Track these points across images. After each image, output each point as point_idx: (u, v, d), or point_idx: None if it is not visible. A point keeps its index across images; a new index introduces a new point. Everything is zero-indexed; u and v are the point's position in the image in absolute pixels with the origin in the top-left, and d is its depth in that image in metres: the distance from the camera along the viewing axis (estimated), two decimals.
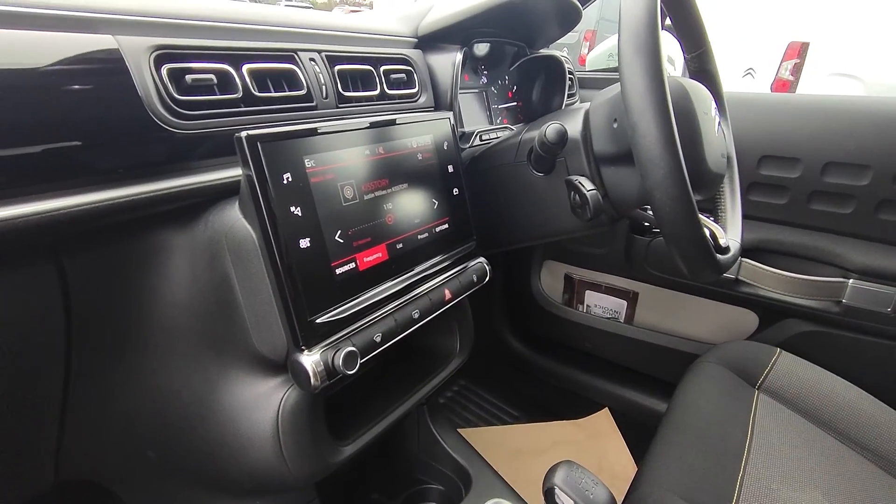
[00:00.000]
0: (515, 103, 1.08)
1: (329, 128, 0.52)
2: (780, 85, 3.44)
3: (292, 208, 0.47)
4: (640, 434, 1.29)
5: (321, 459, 0.55)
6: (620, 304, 1.32)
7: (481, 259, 0.71)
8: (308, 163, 0.49)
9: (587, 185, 0.68)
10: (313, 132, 0.50)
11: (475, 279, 0.68)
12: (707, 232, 0.70)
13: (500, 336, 1.48)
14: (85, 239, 0.47)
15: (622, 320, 1.32)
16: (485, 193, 0.83)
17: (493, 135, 0.92)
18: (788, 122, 1.02)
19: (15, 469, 0.55)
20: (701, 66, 0.83)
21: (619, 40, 0.59)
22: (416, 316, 0.58)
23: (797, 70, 3.32)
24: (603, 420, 1.33)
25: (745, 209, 1.07)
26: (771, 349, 0.96)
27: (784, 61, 3.39)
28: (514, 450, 1.26)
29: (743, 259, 1.08)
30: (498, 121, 1.03)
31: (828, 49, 3.39)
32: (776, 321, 1.10)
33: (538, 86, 1.09)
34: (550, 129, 0.64)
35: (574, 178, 0.69)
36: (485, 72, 1.00)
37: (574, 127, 0.69)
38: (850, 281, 0.98)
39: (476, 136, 0.89)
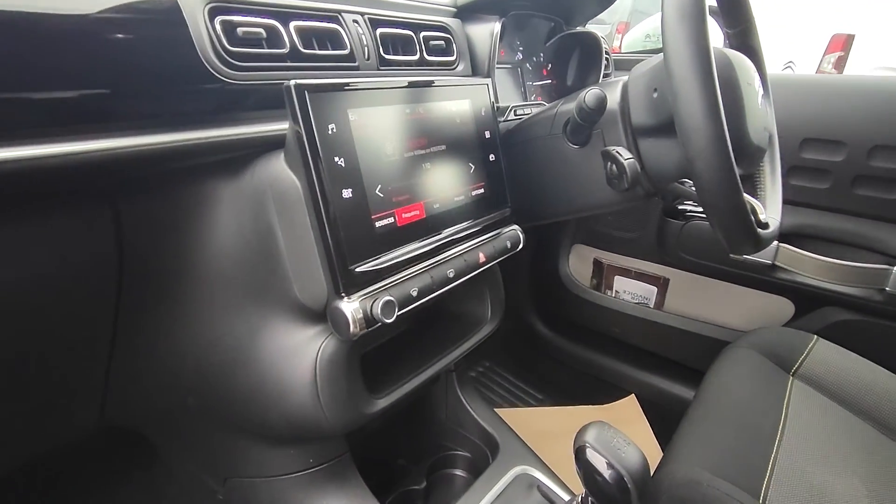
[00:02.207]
0: (550, 81, 1.07)
1: (373, 83, 0.53)
2: None
3: (336, 158, 0.48)
4: (666, 422, 1.27)
5: (356, 409, 0.56)
6: (650, 291, 1.31)
7: (515, 226, 0.71)
8: (352, 116, 0.50)
9: (625, 154, 0.67)
10: (357, 87, 0.51)
11: (509, 245, 0.69)
12: (748, 205, 0.69)
13: (526, 319, 1.48)
14: (139, 185, 0.49)
15: (652, 306, 1.31)
16: (519, 166, 0.83)
17: (527, 110, 0.92)
18: (833, 104, 0.99)
19: (62, 408, 0.58)
20: (743, 41, 0.81)
21: (662, 6, 0.58)
22: (451, 275, 0.59)
23: (841, 63, 3.21)
24: (630, 406, 1.32)
25: (785, 194, 1.05)
26: (807, 336, 0.94)
27: (827, 54, 3.27)
28: (539, 431, 1.26)
29: (781, 244, 1.05)
30: (532, 97, 1.03)
31: (871, 42, 3.26)
32: (813, 309, 1.07)
33: (573, 63, 1.08)
34: (590, 94, 0.64)
35: (611, 148, 0.68)
36: (520, 48, 1.00)
37: (612, 97, 0.68)
38: (895, 268, 0.95)
39: (511, 110, 0.89)
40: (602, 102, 0.64)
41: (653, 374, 1.31)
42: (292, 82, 0.46)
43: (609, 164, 0.69)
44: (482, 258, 0.64)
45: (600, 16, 1.09)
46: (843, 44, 3.16)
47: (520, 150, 0.81)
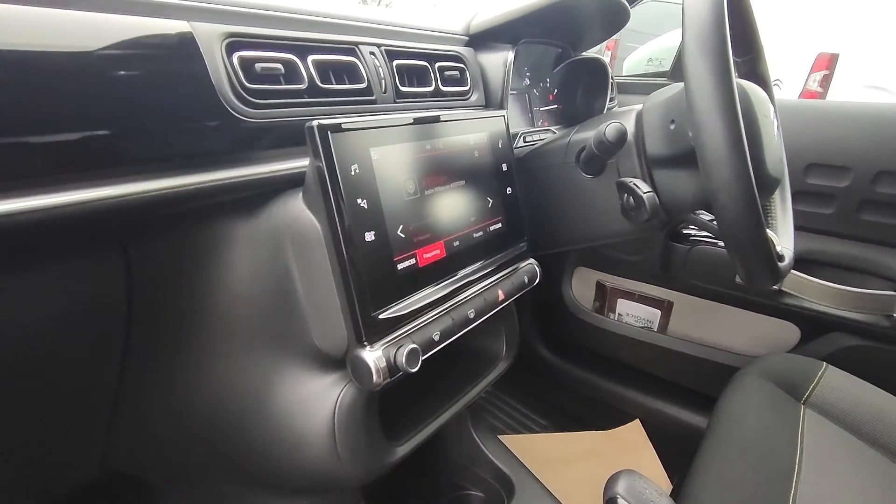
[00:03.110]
0: (556, 106, 1.07)
1: (394, 120, 0.51)
2: (808, 96, 3.39)
3: (359, 200, 0.46)
4: (672, 447, 1.26)
5: (376, 459, 0.54)
6: (654, 314, 1.30)
7: (532, 260, 0.70)
8: (374, 155, 0.48)
9: (643, 188, 0.66)
10: (379, 124, 0.49)
11: (526, 280, 0.67)
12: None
13: (529, 344, 1.46)
14: (150, 228, 0.46)
15: (655, 330, 1.30)
16: (531, 195, 0.81)
17: (536, 136, 0.91)
18: (838, 129, 1.00)
19: (62, 455, 0.54)
20: (753, 69, 0.82)
21: (683, 38, 0.58)
22: (472, 315, 0.57)
23: (826, 81, 3.27)
24: (634, 431, 1.30)
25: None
26: (816, 363, 0.93)
27: (813, 72, 3.34)
28: (542, 459, 1.24)
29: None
30: (539, 123, 1.02)
31: (857, 61, 3.34)
32: (820, 335, 1.07)
33: (580, 89, 1.08)
34: (611, 128, 0.62)
35: (627, 179, 0.67)
36: (528, 74, 0.99)
37: (626, 127, 0.68)
38: None
39: (520, 137, 0.88)
40: (623, 136, 0.63)
41: (657, 398, 1.29)
42: (315, 123, 0.44)
43: (626, 195, 0.68)
44: (501, 296, 0.62)
45: None
46: (827, 62, 3.22)
47: (532, 178, 0.80)
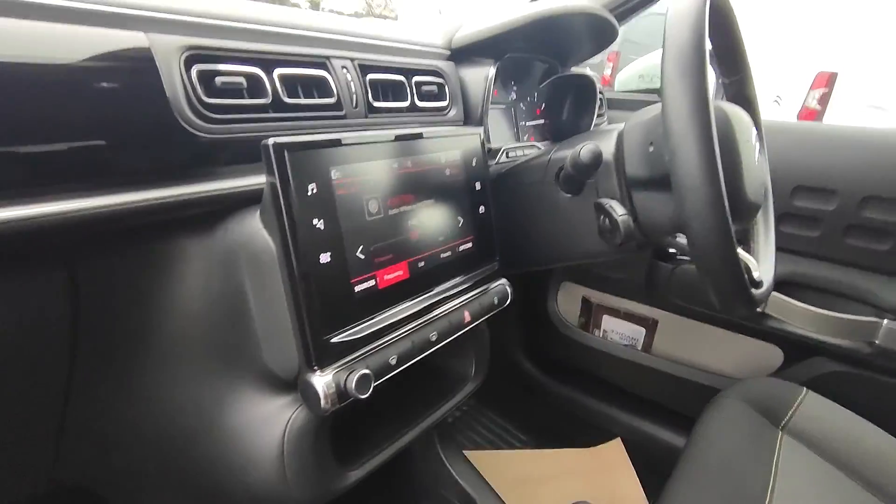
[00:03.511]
0: (543, 121, 1.06)
1: (358, 139, 0.50)
2: (807, 114, 3.39)
3: (315, 221, 0.45)
4: (653, 467, 1.24)
5: (324, 485, 0.52)
6: (639, 332, 1.28)
7: (503, 281, 0.68)
8: (334, 174, 0.47)
9: (618, 210, 0.65)
10: (341, 143, 0.48)
11: (496, 301, 0.66)
12: (745, 265, 0.67)
13: (512, 357, 1.45)
14: (99, 244, 0.45)
15: (640, 348, 1.28)
16: (510, 212, 0.80)
17: (519, 152, 0.90)
18: (826, 152, 0.99)
19: (9, 467, 0.53)
20: (739, 90, 0.81)
21: (662, 60, 0.57)
22: (434, 338, 0.56)
23: (825, 100, 3.27)
24: (615, 450, 1.29)
25: (777, 241, 1.04)
26: (797, 388, 0.92)
27: (812, 90, 3.34)
28: (521, 476, 1.22)
29: (772, 292, 1.04)
30: (525, 138, 1.01)
31: (857, 80, 3.34)
32: (803, 358, 1.06)
33: (568, 105, 1.07)
34: (585, 149, 0.62)
35: (604, 201, 0.66)
36: (514, 88, 0.98)
37: (606, 148, 0.67)
38: (885, 321, 0.94)
39: (503, 152, 0.87)
40: (597, 158, 0.62)
41: (640, 417, 1.28)
42: (270, 141, 0.43)
43: (602, 217, 0.67)
44: (467, 318, 0.61)
45: None
46: (826, 81, 3.22)
47: (511, 195, 0.79)
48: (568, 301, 1.38)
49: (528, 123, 1.02)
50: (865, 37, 3.34)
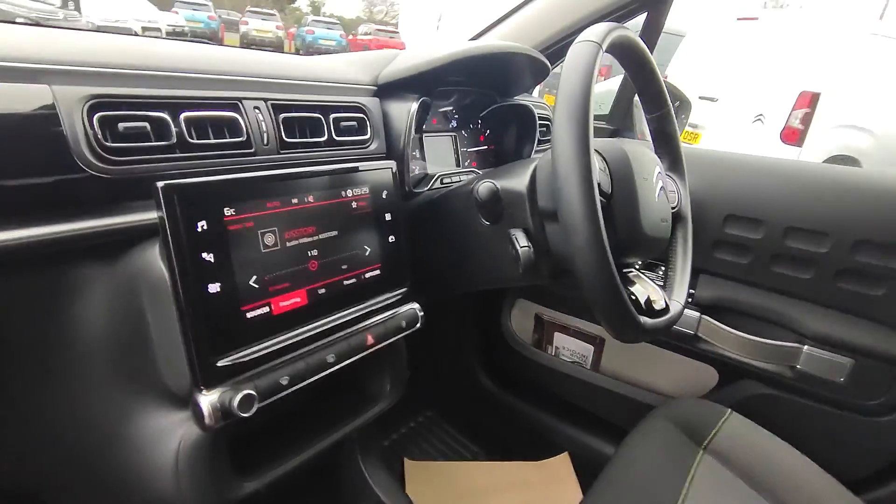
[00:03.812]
0: (487, 147, 1.10)
1: (254, 177, 0.54)
2: (790, 133, 3.43)
3: (204, 255, 0.50)
4: None
5: (222, 494, 0.57)
6: (588, 349, 1.32)
7: (414, 305, 0.73)
8: (228, 211, 0.52)
9: (521, 242, 0.69)
10: (235, 182, 0.53)
11: (404, 325, 0.70)
12: (643, 295, 0.71)
13: (470, 371, 1.49)
14: (4, 267, 0.49)
15: (588, 365, 1.32)
16: (435, 238, 0.85)
17: (455, 178, 0.94)
18: (753, 183, 1.03)
19: None
20: (661, 126, 0.86)
21: (555, 104, 0.62)
22: (332, 360, 0.60)
23: (807, 120, 3.31)
24: (562, 464, 1.32)
25: (710, 266, 1.08)
26: (722, 409, 0.96)
27: (795, 110, 3.38)
28: (468, 488, 1.26)
29: (703, 316, 1.08)
30: (467, 163, 1.06)
31: (838, 100, 3.38)
32: (735, 380, 1.10)
33: (511, 132, 1.11)
34: (482, 187, 0.66)
35: (513, 231, 0.71)
36: (455, 116, 1.03)
37: (521, 181, 0.71)
38: (805, 347, 0.98)
39: (437, 179, 0.91)
40: (494, 196, 0.66)
41: (587, 433, 1.32)
42: (160, 184, 0.47)
43: (510, 246, 0.71)
44: (370, 340, 0.65)
45: None
46: (809, 101, 3.27)
47: (437, 221, 0.83)
48: (522, 318, 1.42)
49: (470, 150, 1.06)
50: (847, 59, 3.38)
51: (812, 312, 0.98)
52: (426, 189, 0.89)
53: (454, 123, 1.03)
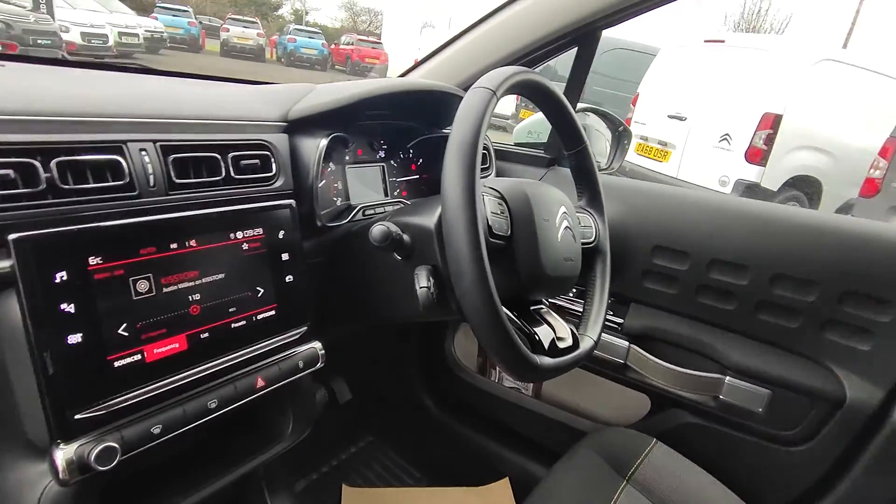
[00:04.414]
0: (419, 176, 1.11)
1: (118, 225, 0.54)
2: (754, 153, 3.51)
3: (63, 306, 0.49)
4: None
5: None
6: None
7: (314, 344, 0.72)
8: (93, 260, 0.51)
9: (421, 282, 0.69)
10: (100, 231, 0.52)
11: (301, 365, 0.69)
12: (548, 334, 0.72)
13: (415, 396, 1.48)
14: None
15: (530, 392, 1.32)
16: (350, 270, 0.85)
17: (379, 209, 0.95)
18: (679, 215, 1.05)
19: None
20: (579, 163, 0.87)
21: (446, 149, 0.62)
22: (214, 406, 0.60)
23: (770, 140, 3.39)
24: (502, 490, 1.32)
25: (640, 295, 1.09)
26: (647, 439, 0.97)
27: (758, 130, 3.46)
28: None
29: (632, 346, 1.09)
30: (396, 193, 1.06)
31: (800, 122, 3.46)
32: (664, 409, 1.11)
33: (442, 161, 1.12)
34: (376, 229, 0.66)
35: (418, 270, 0.71)
36: (383, 146, 1.03)
37: (430, 218, 0.71)
38: (727, 378, 0.99)
39: (359, 210, 0.91)
40: (386, 237, 0.66)
41: (528, 459, 1.32)
42: (12, 237, 0.47)
43: (415, 283, 0.71)
44: (260, 383, 0.64)
45: None
46: (771, 122, 3.35)
47: (353, 255, 0.83)
48: (467, 343, 1.42)
49: (400, 179, 1.07)
50: (808, 82, 3.47)
51: (733, 343, 0.99)
52: (345, 222, 0.89)
53: (382, 154, 1.03)
